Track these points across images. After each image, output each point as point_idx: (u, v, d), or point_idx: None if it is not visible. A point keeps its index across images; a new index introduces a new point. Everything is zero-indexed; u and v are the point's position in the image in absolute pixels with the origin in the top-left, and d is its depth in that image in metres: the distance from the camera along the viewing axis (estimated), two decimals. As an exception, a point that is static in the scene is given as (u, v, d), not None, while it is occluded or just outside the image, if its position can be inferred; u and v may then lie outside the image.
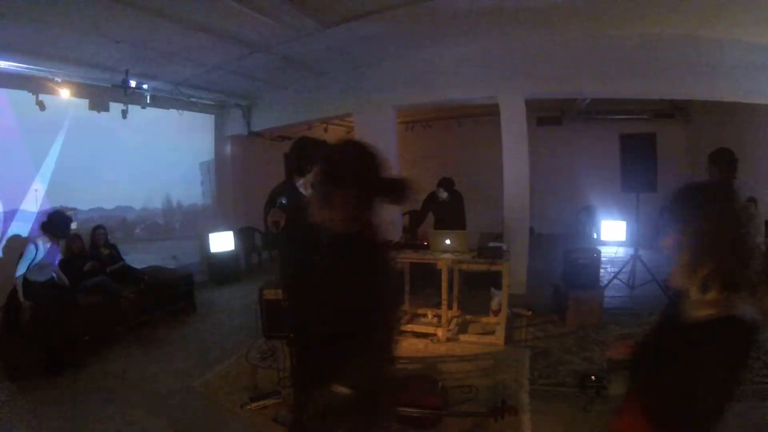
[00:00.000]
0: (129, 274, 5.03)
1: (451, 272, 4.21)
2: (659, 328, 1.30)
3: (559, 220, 8.67)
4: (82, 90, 5.27)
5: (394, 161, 6.03)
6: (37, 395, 3.25)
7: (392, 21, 4.15)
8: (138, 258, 5.93)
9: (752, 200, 5.53)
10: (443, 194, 5.11)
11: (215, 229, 6.89)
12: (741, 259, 1.08)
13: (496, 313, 4.22)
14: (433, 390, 2.65)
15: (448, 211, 5.16)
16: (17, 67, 4.50)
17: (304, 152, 2.83)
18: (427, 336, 4.09)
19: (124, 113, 5.74)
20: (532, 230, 5.90)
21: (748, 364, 1.35)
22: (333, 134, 9.11)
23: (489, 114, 7.53)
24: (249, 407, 2.94)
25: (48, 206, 5.97)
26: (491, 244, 4.06)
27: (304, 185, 2.85)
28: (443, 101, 6.09)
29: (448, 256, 3.97)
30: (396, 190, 1.34)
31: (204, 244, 6.84)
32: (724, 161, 2.93)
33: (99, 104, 5.50)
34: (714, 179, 2.87)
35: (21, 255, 3.61)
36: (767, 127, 6.20)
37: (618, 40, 4.66)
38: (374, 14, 3.95)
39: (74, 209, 6.52)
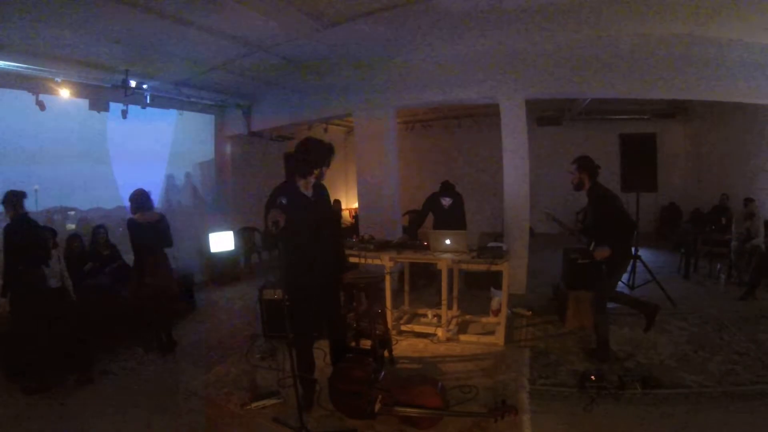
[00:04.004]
0: (128, 274, 5.00)
1: (451, 272, 4.21)
2: None
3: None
4: (82, 90, 5.27)
5: (394, 161, 6.04)
6: (37, 395, 3.25)
7: (392, 21, 4.15)
8: (138, 258, 5.89)
9: (750, 200, 5.56)
10: (446, 201, 5.07)
11: (215, 229, 6.88)
12: None
13: (496, 313, 4.22)
14: (433, 390, 2.65)
15: (449, 212, 5.14)
16: (17, 67, 4.50)
17: (308, 154, 2.83)
18: (427, 336, 4.09)
19: (124, 113, 5.74)
20: (532, 230, 5.89)
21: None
22: (333, 134, 9.12)
23: (489, 114, 7.55)
24: (249, 407, 2.94)
25: (48, 206, 5.98)
26: (491, 244, 4.05)
27: (305, 186, 2.85)
28: (443, 101, 6.09)
29: (448, 256, 3.97)
30: None
31: (204, 244, 6.84)
32: (593, 167, 3.42)
33: (99, 104, 5.50)
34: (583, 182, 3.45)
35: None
36: (767, 128, 6.21)
37: (618, 40, 4.66)
38: (374, 14, 3.95)
39: (74, 209, 6.51)
